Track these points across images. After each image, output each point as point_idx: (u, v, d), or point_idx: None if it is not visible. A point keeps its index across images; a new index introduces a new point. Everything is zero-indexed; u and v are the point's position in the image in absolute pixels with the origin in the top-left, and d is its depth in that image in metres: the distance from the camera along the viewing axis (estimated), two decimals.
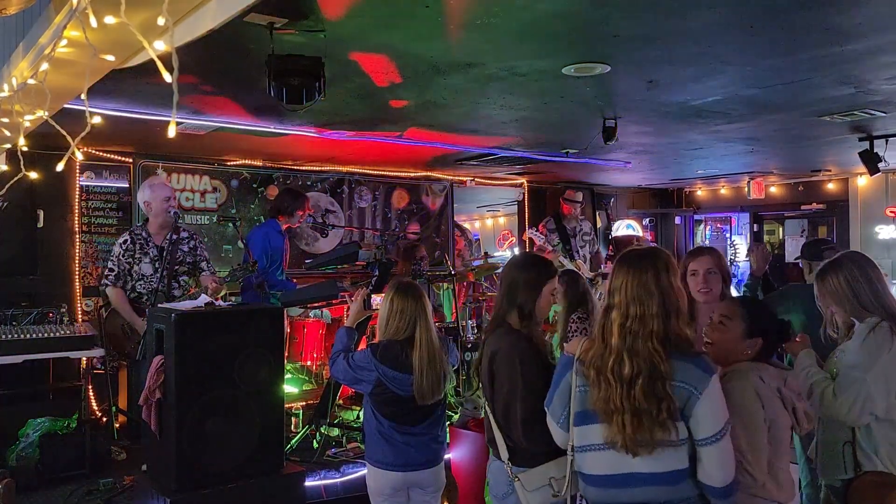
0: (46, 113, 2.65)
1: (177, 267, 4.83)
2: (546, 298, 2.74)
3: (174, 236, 4.80)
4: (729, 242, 11.47)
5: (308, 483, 4.12)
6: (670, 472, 2.15)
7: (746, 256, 10.78)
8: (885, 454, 2.62)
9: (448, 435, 3.32)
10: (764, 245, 5.04)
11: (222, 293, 4.77)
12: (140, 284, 4.76)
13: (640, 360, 2.12)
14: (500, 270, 5.55)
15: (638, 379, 2.11)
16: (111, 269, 4.78)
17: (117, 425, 5.14)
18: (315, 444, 4.76)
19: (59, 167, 2.28)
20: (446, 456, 3.31)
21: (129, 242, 4.79)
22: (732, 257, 11.36)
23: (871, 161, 6.16)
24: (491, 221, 12.95)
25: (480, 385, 2.81)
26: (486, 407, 2.74)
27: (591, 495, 2.25)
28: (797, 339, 2.82)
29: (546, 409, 2.36)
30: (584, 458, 2.25)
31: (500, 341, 2.67)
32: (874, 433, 2.62)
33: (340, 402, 5.31)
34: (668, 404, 2.09)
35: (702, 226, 11.67)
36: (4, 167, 3.91)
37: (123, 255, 4.76)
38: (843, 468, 2.67)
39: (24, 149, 2.99)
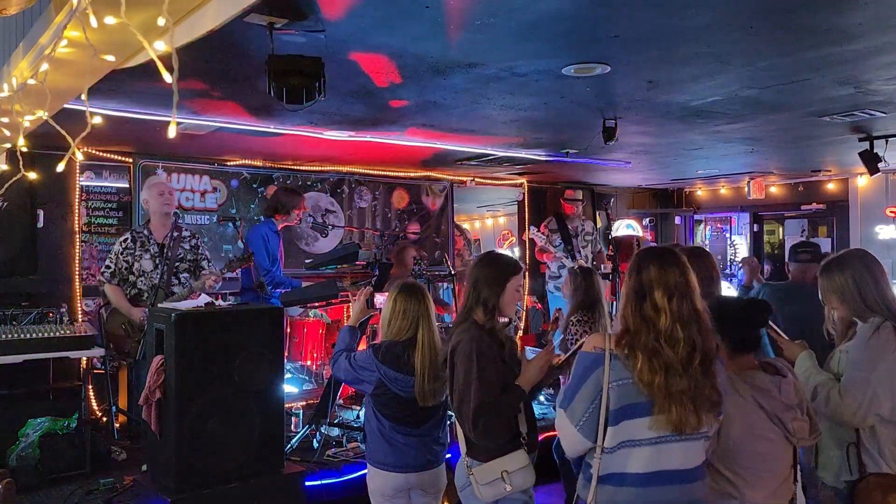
0: (46, 113, 2.65)
1: (178, 264, 4.92)
2: (511, 294, 2.80)
3: (175, 234, 4.90)
4: (729, 242, 11.47)
5: (308, 483, 4.12)
6: (697, 468, 2.17)
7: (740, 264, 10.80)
8: (890, 455, 2.60)
9: (449, 436, 3.31)
10: (752, 258, 5.01)
11: (219, 284, 4.84)
12: (141, 281, 4.85)
13: (694, 336, 2.09)
14: None
15: (695, 354, 2.08)
16: (108, 267, 4.90)
17: (117, 425, 5.14)
18: (315, 444, 4.76)
19: (60, 167, 2.28)
20: (447, 456, 3.30)
21: (129, 241, 4.90)
22: (732, 257, 11.36)
23: (871, 161, 6.16)
24: (491, 221, 12.94)
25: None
26: (450, 400, 2.79)
27: (627, 497, 2.13)
28: (796, 343, 2.80)
29: (562, 409, 2.23)
30: (627, 456, 2.12)
31: (462, 335, 2.73)
32: (878, 434, 2.60)
33: (340, 402, 5.31)
34: (717, 384, 2.11)
35: (702, 226, 11.67)
36: (4, 167, 3.91)
37: (122, 254, 4.86)
38: (847, 470, 2.64)
39: (24, 149, 2.99)
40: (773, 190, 10.00)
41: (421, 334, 3.08)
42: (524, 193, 9.27)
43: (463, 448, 2.76)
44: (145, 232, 4.93)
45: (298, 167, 7.39)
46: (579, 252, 7.30)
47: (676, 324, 2.10)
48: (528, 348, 3.12)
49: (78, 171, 6.11)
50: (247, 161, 7.04)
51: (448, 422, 3.29)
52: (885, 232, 8.90)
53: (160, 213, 4.93)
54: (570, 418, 2.18)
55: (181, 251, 4.94)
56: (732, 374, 2.34)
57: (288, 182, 7.28)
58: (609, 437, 2.13)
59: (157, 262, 4.83)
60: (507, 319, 2.96)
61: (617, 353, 2.13)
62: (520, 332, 8.15)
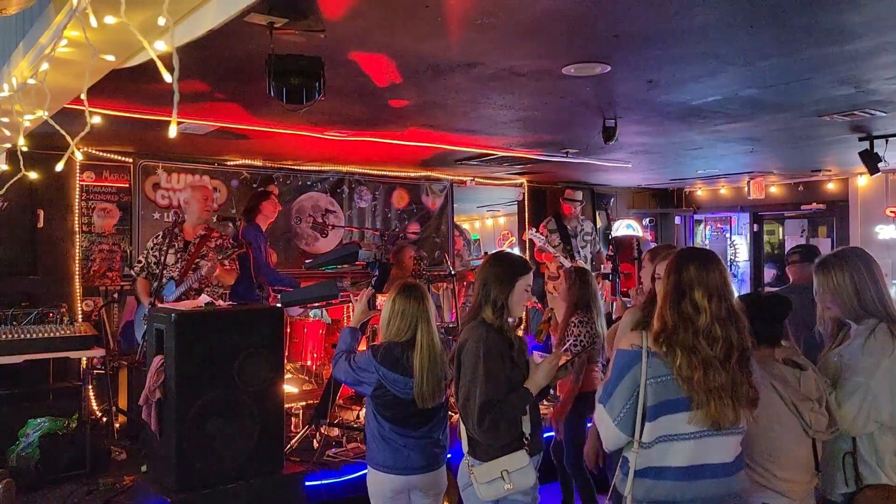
0: (46, 113, 2.65)
1: (198, 260, 5.02)
2: (519, 293, 2.81)
3: (203, 232, 5.09)
4: (729, 242, 11.47)
5: (308, 483, 4.13)
6: (734, 461, 2.22)
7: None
8: (890, 465, 2.51)
9: (449, 437, 3.30)
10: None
11: (216, 271, 4.89)
12: (165, 273, 4.97)
13: (732, 334, 2.15)
14: None
15: (733, 351, 2.14)
16: (139, 262, 5.17)
17: (117, 425, 5.14)
18: (315, 444, 4.76)
19: (59, 167, 2.28)
20: (448, 457, 3.30)
21: (160, 237, 5.11)
22: (732, 257, 11.36)
23: (871, 161, 6.15)
24: (491, 221, 12.95)
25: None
26: (455, 398, 2.81)
27: (665, 491, 2.18)
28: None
29: (601, 405, 2.28)
30: (665, 451, 2.18)
31: (469, 333, 2.75)
32: (877, 442, 2.52)
33: (340, 402, 5.31)
34: (754, 380, 2.17)
35: (702, 226, 11.67)
36: (4, 167, 3.91)
37: (153, 249, 5.09)
38: (843, 481, 2.55)
39: (24, 149, 2.99)
40: (773, 190, 10.00)
41: (420, 336, 3.06)
42: (524, 193, 9.26)
43: (465, 447, 2.76)
44: (176, 230, 5.09)
45: (298, 167, 7.39)
46: (578, 252, 7.29)
47: (716, 322, 2.15)
48: (536, 352, 3.12)
49: (78, 171, 6.11)
50: (247, 161, 7.04)
51: (448, 423, 3.28)
52: (885, 232, 8.89)
53: (198, 216, 5.09)
54: (610, 413, 2.23)
55: (205, 249, 5.06)
56: (762, 361, 2.36)
57: (288, 182, 7.29)
58: (647, 433, 2.17)
59: (179, 256, 4.98)
60: (513, 319, 2.96)
61: (655, 350, 2.18)
62: (520, 332, 8.15)
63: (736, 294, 2.29)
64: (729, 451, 2.20)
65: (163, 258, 4.94)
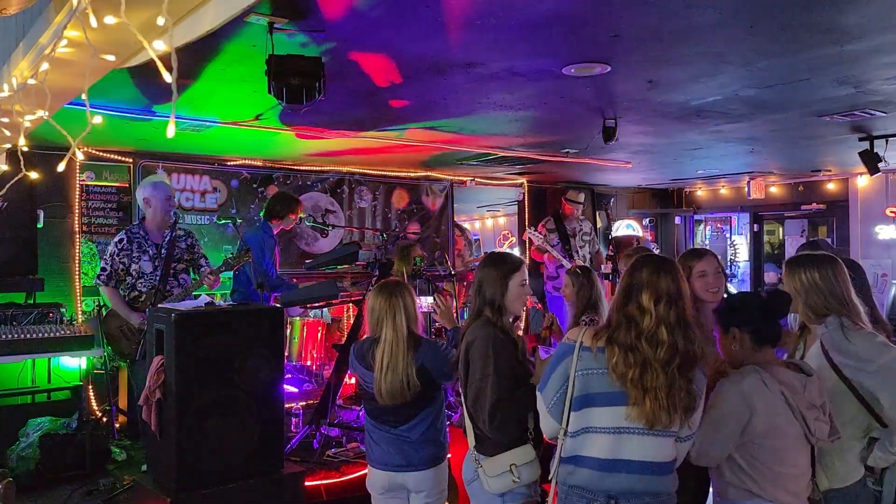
0: (46, 113, 2.65)
1: (175, 265, 4.86)
2: (515, 291, 2.85)
3: (171, 234, 4.85)
4: (729, 242, 11.47)
5: (308, 483, 4.13)
6: (660, 463, 2.24)
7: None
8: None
9: (444, 437, 3.30)
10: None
11: (219, 284, 4.83)
12: (140, 283, 4.77)
13: (678, 340, 2.18)
14: None
15: (676, 356, 2.17)
16: (103, 269, 4.80)
17: (117, 425, 5.14)
18: (315, 444, 4.76)
19: (60, 167, 2.28)
20: (447, 457, 3.30)
21: (125, 241, 4.81)
22: (732, 257, 11.36)
23: (871, 161, 6.16)
24: (491, 221, 12.95)
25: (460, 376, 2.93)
26: (462, 396, 2.86)
27: (582, 479, 2.27)
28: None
29: (539, 393, 2.39)
30: (584, 441, 2.26)
31: (476, 332, 2.79)
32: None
33: (340, 402, 5.32)
34: (693, 388, 2.19)
35: (702, 226, 11.67)
36: (4, 167, 3.91)
37: (118, 255, 4.77)
38: (854, 472, 2.60)
39: (24, 149, 2.99)
40: (773, 190, 10.00)
41: (384, 332, 3.09)
42: (524, 193, 9.26)
43: (471, 442, 2.80)
44: (141, 232, 4.85)
45: (298, 167, 7.39)
46: (577, 252, 7.29)
47: (661, 326, 2.19)
48: (541, 348, 3.16)
49: (78, 171, 6.11)
50: (247, 161, 7.03)
51: (439, 425, 3.23)
52: (885, 232, 8.89)
53: (161, 216, 4.87)
54: (544, 400, 2.35)
55: (178, 251, 4.89)
56: (759, 368, 2.36)
57: (288, 182, 7.28)
58: (572, 422, 2.27)
59: (157, 263, 4.78)
60: (514, 317, 2.99)
61: (589, 345, 2.27)
62: (520, 332, 8.15)
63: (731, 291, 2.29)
64: (654, 451, 2.23)
65: (133, 265, 4.74)
